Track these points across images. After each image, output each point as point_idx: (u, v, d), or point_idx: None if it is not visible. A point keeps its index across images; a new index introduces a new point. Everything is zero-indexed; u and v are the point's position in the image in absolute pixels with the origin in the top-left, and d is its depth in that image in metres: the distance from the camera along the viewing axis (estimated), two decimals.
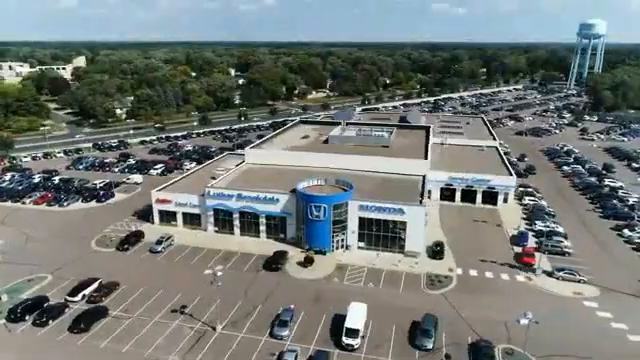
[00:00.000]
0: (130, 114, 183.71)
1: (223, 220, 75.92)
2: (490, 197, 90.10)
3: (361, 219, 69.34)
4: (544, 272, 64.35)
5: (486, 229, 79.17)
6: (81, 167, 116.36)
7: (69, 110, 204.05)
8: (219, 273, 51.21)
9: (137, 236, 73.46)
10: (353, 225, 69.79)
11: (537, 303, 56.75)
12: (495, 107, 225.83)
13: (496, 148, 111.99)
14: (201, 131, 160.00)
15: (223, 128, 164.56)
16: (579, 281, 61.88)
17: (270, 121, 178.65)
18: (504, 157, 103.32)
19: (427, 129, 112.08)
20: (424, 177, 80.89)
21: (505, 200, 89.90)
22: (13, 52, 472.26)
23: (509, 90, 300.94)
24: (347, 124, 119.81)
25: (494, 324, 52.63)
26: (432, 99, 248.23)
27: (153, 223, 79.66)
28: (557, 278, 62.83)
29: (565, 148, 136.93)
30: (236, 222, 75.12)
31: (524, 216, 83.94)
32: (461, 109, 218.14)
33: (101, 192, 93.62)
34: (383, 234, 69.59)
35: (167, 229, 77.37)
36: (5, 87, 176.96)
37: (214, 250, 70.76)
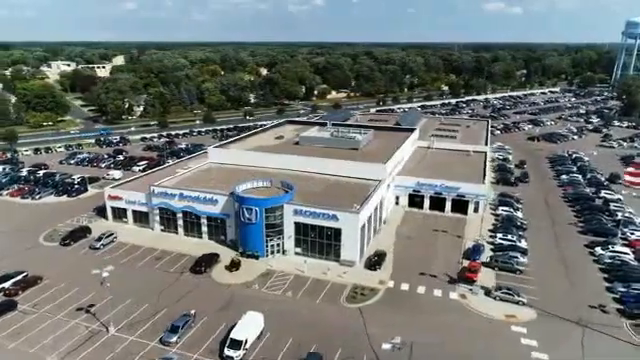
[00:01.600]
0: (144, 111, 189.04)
1: (168, 219, 75.40)
2: (460, 205, 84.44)
3: (297, 224, 66.58)
4: (484, 289, 59.11)
5: (443, 240, 73.98)
6: (72, 162, 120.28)
7: (92, 107, 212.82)
8: (105, 274, 50.19)
9: (83, 232, 74.32)
10: (290, 230, 67.19)
11: (455, 324, 52.25)
12: (519, 110, 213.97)
13: (485, 154, 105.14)
14: (203, 129, 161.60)
15: (225, 127, 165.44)
16: (517, 302, 56.19)
17: (275, 121, 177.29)
18: (487, 164, 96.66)
19: (412, 132, 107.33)
20: (379, 182, 76.88)
21: (476, 209, 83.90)
22: (67, 51, 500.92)
23: (543, 93, 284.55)
24: (333, 125, 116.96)
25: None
26: (454, 101, 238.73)
27: (107, 219, 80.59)
28: (494, 298, 57.39)
29: (574, 155, 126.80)
30: (180, 222, 74.39)
31: (491, 227, 78.14)
32: (479, 112, 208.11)
33: (75, 187, 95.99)
34: (319, 241, 66.51)
35: (119, 226, 77.99)
36: (28, 85, 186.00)
37: (151, 249, 70.33)
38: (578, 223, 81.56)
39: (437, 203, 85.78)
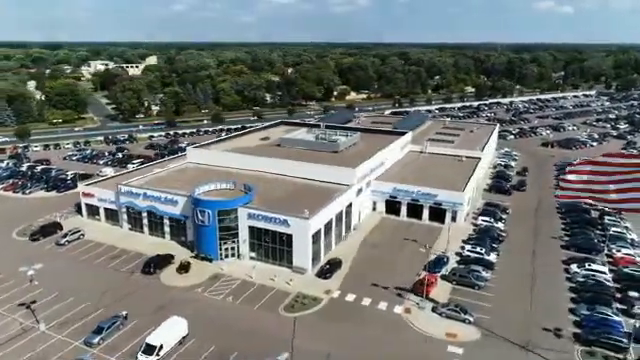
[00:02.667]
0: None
1: (135, 218, 76.04)
2: (438, 214, 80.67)
3: (251, 228, 65.38)
4: (433, 304, 55.87)
5: (410, 249, 70.57)
6: (75, 159, 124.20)
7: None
8: (30, 272, 50.73)
9: (54, 227, 76.05)
10: (244, 234, 66.08)
11: (388, 339, 49.59)
12: (543, 114, 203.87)
13: (478, 160, 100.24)
14: (210, 129, 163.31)
15: (233, 127, 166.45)
16: (464, 320, 52.69)
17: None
18: (476, 170, 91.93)
19: (402, 135, 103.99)
20: (348, 187, 74.51)
21: (454, 218, 79.90)
22: (108, 51, 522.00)
23: (575, 96, 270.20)
24: (326, 127, 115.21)
25: (316, 356, 46.64)
26: (477, 103, 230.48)
27: (82, 216, 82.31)
28: (440, 314, 54.10)
29: None
30: (145, 221, 74.85)
31: (465, 238, 74.14)
32: (500, 115, 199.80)
33: (66, 183, 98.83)
34: (272, 246, 65.05)
35: (92, 223, 79.52)
36: (56, 84, 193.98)
37: (112, 247, 71.05)
38: (563, 236, 76.19)
39: (415, 210, 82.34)
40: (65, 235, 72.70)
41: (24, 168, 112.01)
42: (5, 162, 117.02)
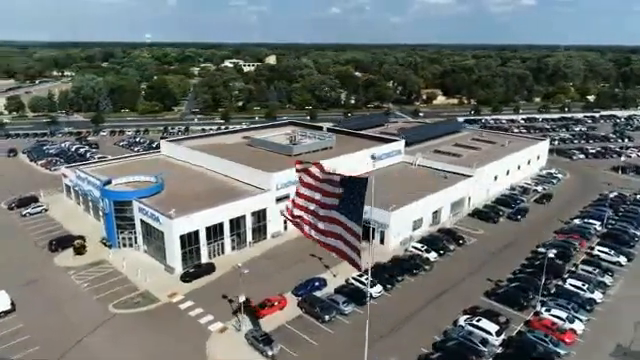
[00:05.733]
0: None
1: (84, 201, 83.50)
2: (367, 233, 71.72)
3: (142, 221, 66.95)
4: (255, 328, 50.56)
5: (303, 267, 64.29)
6: (122, 144, 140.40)
7: None
8: None
9: (29, 200, 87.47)
10: (139, 225, 67.97)
11: (174, 354, 46.54)
12: None
13: (470, 177, 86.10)
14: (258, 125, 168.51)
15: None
16: (262, 352, 46.65)
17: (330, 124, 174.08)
18: (449, 190, 79.01)
19: (389, 142, 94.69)
20: (262, 192, 71.11)
21: (382, 240, 70.33)
22: (247, 52, 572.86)
23: None
24: (328, 130, 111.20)
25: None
26: (580, 115, 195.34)
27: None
28: (247, 340, 48.66)
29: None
30: (89, 204, 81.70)
31: (383, 262, 64.79)
32: (600, 131, 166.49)
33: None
34: (156, 241, 65.66)
35: (67, 200, 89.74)
36: (156, 80, 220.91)
37: (57, 223, 79.02)
38: (502, 281, 61.46)
39: None
40: (28, 208, 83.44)
41: (72, 149, 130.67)
42: (66, 143, 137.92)
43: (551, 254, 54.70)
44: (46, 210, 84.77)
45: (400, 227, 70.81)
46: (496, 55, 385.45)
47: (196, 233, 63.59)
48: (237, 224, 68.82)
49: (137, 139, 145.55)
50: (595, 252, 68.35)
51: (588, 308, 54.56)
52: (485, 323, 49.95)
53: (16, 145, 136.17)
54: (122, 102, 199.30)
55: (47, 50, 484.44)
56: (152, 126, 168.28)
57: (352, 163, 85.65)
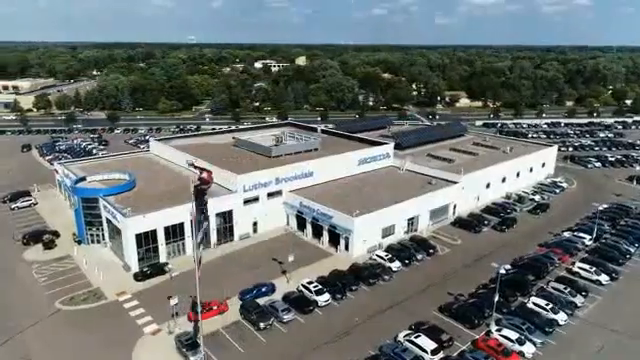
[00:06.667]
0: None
1: (69, 196, 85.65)
2: (336, 238, 69.80)
3: (107, 218, 67.78)
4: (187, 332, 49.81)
5: (258, 272, 63.17)
6: (130, 142, 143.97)
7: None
8: None
9: (22, 195, 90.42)
10: (105, 223, 68.90)
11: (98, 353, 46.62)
12: None
13: (454, 183, 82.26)
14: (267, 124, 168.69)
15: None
16: (185, 357, 45.76)
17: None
18: (426, 196, 75.63)
19: (374, 145, 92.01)
20: (229, 193, 70.45)
21: (347, 247, 67.98)
22: (283, 52, 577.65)
23: None
24: (322, 132, 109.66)
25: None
26: (611, 120, 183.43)
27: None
28: (175, 343, 47.97)
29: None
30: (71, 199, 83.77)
31: (342, 269, 62.62)
32: (625, 137, 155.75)
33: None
34: (118, 239, 66.22)
35: (58, 195, 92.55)
36: (180, 79, 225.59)
37: (40, 218, 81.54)
38: (463, 295, 57.79)
39: (318, 231, 72.82)
40: (17, 201, 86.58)
41: (82, 145, 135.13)
42: (77, 140, 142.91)
43: (502, 270, 50.68)
44: (35, 204, 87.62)
45: (367, 234, 68.17)
46: (537, 57, 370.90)
47: (153, 232, 63.62)
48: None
49: (147, 137, 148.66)
50: (575, 269, 63.34)
51: (547, 330, 50.31)
52: (423, 340, 47.00)
53: (33, 141, 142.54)
54: (144, 101, 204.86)
55: (93, 50, 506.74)
56: (166, 125, 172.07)
57: (335, 166, 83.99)
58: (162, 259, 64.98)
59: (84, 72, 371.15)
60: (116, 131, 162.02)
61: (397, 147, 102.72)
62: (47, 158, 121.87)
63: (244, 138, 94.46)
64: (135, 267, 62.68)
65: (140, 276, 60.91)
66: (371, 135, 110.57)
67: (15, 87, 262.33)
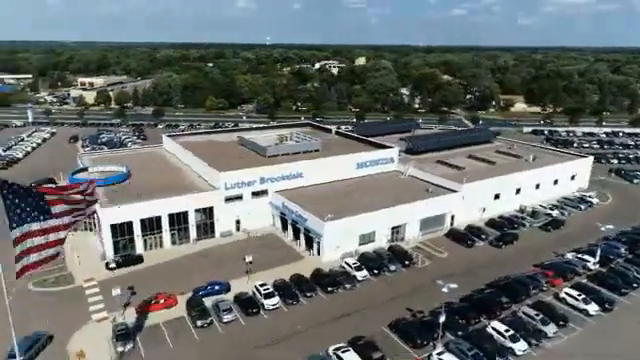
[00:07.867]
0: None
1: None
2: (311, 241, 68.20)
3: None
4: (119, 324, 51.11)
5: (230, 269, 63.37)
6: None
7: None
8: None
9: (47, 182, 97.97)
10: None
11: None
12: None
13: (455, 192, 77.19)
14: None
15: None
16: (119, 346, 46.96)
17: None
18: (416, 204, 71.55)
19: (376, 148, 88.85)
20: (212, 189, 71.44)
21: (319, 252, 66.08)
22: (346, 53, 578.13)
23: None
24: (336, 133, 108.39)
25: None
26: None
27: None
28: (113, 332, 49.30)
29: None
30: None
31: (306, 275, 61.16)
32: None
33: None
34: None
35: None
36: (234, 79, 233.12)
37: None
38: (416, 314, 53.77)
39: (297, 232, 71.62)
40: None
41: (122, 138, 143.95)
42: (119, 133, 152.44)
43: (445, 289, 46.42)
44: None
45: (339, 239, 65.80)
46: (625, 59, 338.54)
47: (130, 224, 65.98)
48: (178, 219, 69.90)
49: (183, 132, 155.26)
50: (562, 294, 56.74)
51: (496, 359, 45.44)
52: (349, 356, 44.40)
53: (83, 133, 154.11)
54: (193, 98, 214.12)
55: (170, 50, 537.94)
56: (205, 122, 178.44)
57: (328, 168, 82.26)
58: (139, 251, 67.24)
59: (155, 70, 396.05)
60: (159, 126, 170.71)
61: (410, 152, 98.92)
62: (87, 149, 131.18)
63: (247, 137, 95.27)
64: (111, 256, 65.42)
65: (111, 265, 63.43)
66: (393, 138, 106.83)
67: (91, 83, 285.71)
